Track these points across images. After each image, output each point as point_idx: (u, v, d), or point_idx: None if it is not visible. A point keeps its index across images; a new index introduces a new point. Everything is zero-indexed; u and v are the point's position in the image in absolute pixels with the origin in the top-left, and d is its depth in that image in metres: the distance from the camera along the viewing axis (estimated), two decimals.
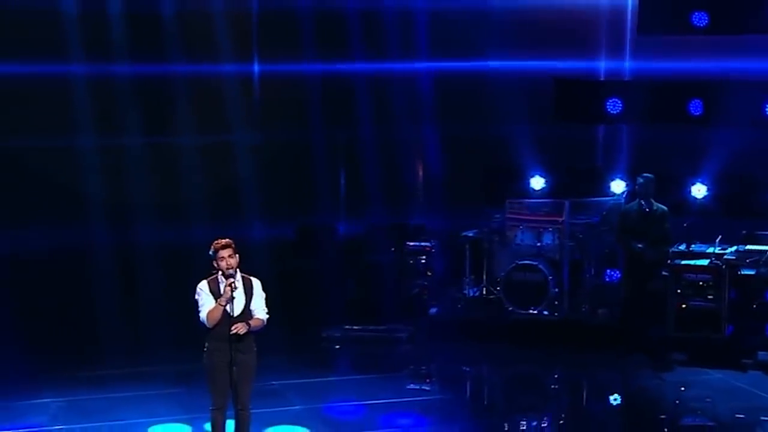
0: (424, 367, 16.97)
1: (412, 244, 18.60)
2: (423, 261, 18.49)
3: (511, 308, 17.54)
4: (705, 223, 17.65)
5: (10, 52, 18.11)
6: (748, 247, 16.65)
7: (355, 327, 17.81)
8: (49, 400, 14.46)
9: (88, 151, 18.58)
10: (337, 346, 17.51)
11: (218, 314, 11.30)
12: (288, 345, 16.62)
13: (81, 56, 18.53)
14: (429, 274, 18.49)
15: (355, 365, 16.76)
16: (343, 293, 18.50)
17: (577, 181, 18.74)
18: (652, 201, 16.03)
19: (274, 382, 14.93)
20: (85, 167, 18.57)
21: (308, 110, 19.42)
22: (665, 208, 16.13)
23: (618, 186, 18.27)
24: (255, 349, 11.64)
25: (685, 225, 16.96)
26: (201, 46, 19.07)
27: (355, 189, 19.85)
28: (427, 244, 18.58)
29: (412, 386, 15.96)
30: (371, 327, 17.82)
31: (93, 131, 18.63)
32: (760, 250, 16.59)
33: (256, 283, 11.58)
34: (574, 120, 18.93)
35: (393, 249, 18.99)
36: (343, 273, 18.83)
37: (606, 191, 18.19)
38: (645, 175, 16.19)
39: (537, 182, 18.61)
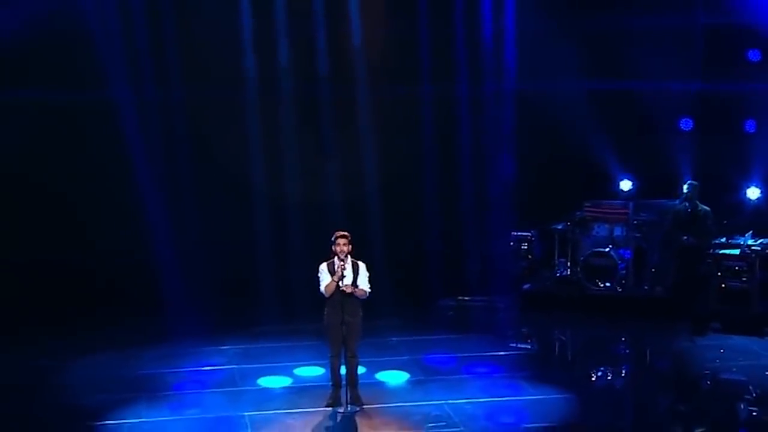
0: (513, 330, 17.99)
1: (516, 233, 19.53)
2: (525, 247, 19.55)
3: (588, 286, 18.62)
4: (757, 220, 18.52)
5: (194, 76, 18.93)
6: None
7: (466, 298, 19.01)
8: (227, 347, 16.28)
9: (256, 160, 19.30)
10: (450, 313, 18.71)
11: (333, 287, 13.07)
12: (411, 311, 18.21)
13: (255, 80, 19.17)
14: (529, 257, 19.56)
15: (457, 327, 17.80)
16: (462, 272, 19.45)
17: (658, 184, 19.22)
18: (697, 203, 17.41)
19: (393, 338, 16.57)
20: (254, 173, 19.32)
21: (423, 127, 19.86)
22: (708, 208, 17.49)
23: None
24: (361, 313, 13.24)
25: (725, 222, 18.04)
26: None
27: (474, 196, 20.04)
28: (528, 233, 19.54)
29: (509, 344, 16.97)
30: (478, 298, 18.94)
31: (262, 144, 19.34)
32: None
33: (362, 265, 13.26)
34: (655, 134, 19.53)
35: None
36: (463, 257, 19.65)
37: (679, 192, 18.49)
38: (691, 182, 17.63)
39: (625, 185, 19.44)
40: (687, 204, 17.47)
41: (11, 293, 17.79)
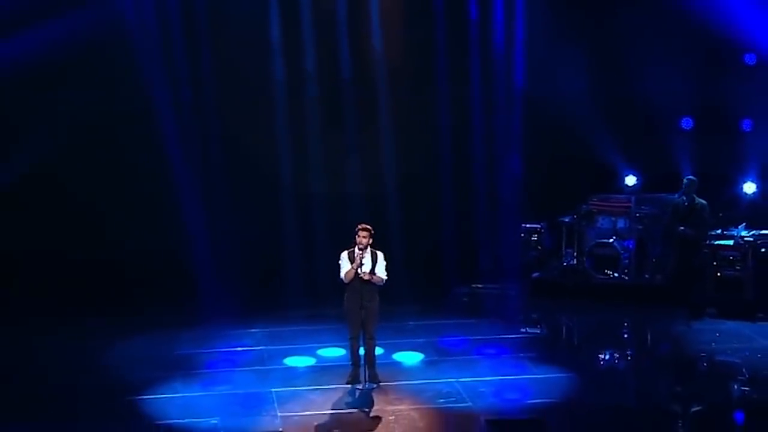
0: (522, 315, 18.07)
1: (526, 225, 19.75)
2: (534, 238, 19.75)
3: (593, 274, 18.83)
4: (753, 213, 18.72)
5: (226, 80, 18.99)
6: (763, 231, 17.94)
7: (479, 285, 19.25)
8: (256, 330, 16.61)
9: (284, 157, 19.47)
10: (464, 299, 18.88)
11: (352, 274, 13.47)
12: (428, 298, 18.31)
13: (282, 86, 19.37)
14: (539, 247, 19.74)
15: (471, 312, 17.98)
16: (476, 261, 19.67)
17: (661, 180, 19.33)
18: (694, 197, 17.48)
19: (410, 323, 16.90)
20: (281, 169, 19.42)
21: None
22: (704, 202, 17.58)
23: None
24: (378, 299, 13.60)
25: (720, 215, 18.22)
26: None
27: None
28: (537, 225, 19.72)
29: (519, 328, 17.14)
30: (491, 285, 19.15)
31: (289, 142, 19.45)
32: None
33: (380, 255, 13.60)
34: (658, 132, 19.69)
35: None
36: (477, 247, 19.82)
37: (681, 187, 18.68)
38: (689, 177, 17.70)
39: (630, 180, 19.72)
40: (685, 198, 17.60)
41: (63, 283, 18.07)
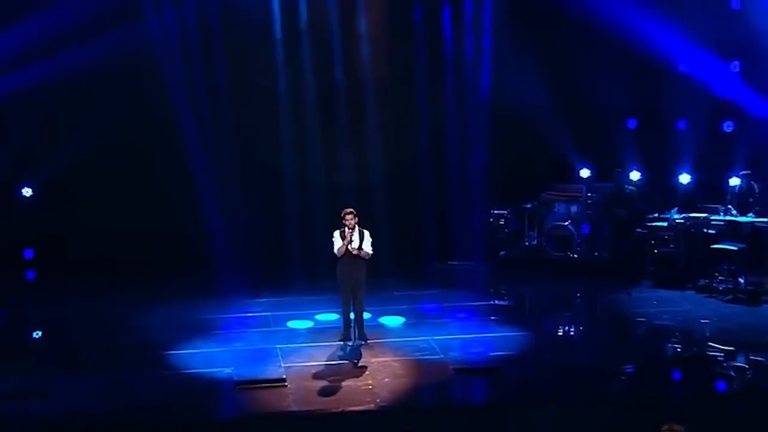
0: (490, 287, 18.32)
1: (495, 211, 20.19)
2: (502, 222, 20.19)
3: (550, 252, 19.38)
4: (686, 200, 19.31)
5: (238, 91, 19.41)
6: (692, 214, 18.54)
7: (453, 262, 19.52)
8: (264, 299, 17.05)
9: (287, 154, 19.90)
10: (441, 273, 18.97)
11: (343, 249, 14.13)
12: (410, 272, 18.68)
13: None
14: (505, 230, 20.18)
15: (446, 284, 18.28)
16: (450, 242, 19.85)
17: (610, 172, 19.81)
18: (624, 185, 18.61)
19: (395, 292, 17.36)
20: (285, 163, 19.86)
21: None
22: (633, 188, 18.68)
23: (635, 175, 19.78)
24: (365, 270, 14.19)
25: (657, 201, 18.95)
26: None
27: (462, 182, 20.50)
28: (504, 211, 20.16)
29: (486, 298, 17.39)
30: (464, 262, 19.43)
31: (292, 140, 19.82)
32: (696, 216, 18.49)
33: (367, 233, 14.22)
34: (607, 131, 20.14)
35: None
36: (452, 229, 20.02)
37: (626, 179, 19.60)
38: (617, 169, 18.88)
39: (585, 172, 20.16)
40: (618, 186, 18.61)
41: (103, 258, 18.64)
